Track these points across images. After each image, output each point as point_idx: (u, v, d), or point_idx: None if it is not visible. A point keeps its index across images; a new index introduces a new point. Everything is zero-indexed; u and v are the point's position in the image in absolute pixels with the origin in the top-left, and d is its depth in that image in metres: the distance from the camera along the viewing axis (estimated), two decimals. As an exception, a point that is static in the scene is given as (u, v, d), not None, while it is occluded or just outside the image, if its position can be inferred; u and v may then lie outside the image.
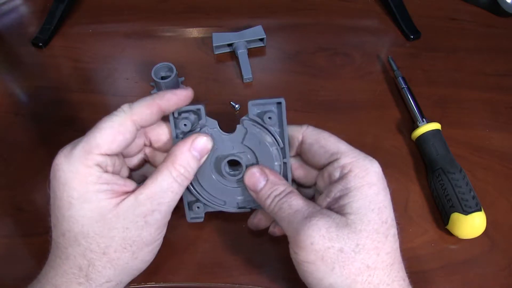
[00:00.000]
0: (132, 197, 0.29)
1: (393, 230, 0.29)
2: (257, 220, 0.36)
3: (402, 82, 0.48)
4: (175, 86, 0.49)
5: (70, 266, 0.29)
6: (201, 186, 0.34)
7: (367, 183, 0.29)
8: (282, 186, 0.31)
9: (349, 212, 0.28)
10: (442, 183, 0.39)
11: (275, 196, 0.30)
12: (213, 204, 0.35)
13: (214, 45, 0.52)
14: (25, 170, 0.43)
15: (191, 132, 0.33)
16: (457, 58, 0.53)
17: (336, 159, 0.30)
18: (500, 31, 0.56)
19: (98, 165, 0.29)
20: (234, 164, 0.34)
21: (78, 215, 0.28)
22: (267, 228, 0.36)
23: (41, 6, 0.58)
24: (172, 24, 0.57)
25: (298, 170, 0.34)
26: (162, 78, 0.48)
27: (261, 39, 0.53)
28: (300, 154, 0.34)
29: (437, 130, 0.43)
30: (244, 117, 0.33)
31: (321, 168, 0.32)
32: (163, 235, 0.32)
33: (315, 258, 0.27)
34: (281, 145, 0.33)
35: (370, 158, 0.30)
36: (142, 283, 0.36)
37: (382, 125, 0.47)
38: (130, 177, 0.34)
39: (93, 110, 0.48)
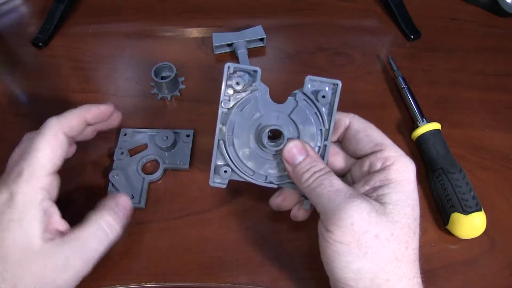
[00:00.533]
0: (60, 239, 0.30)
1: (418, 230, 0.30)
2: (281, 200, 0.35)
3: (402, 82, 0.48)
4: (175, 86, 0.49)
5: None
6: (235, 150, 0.33)
7: (406, 179, 0.29)
8: (322, 164, 0.31)
9: (388, 202, 0.28)
10: (442, 183, 0.39)
11: (315, 172, 0.30)
12: (241, 172, 0.33)
13: (214, 45, 0.52)
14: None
15: (243, 92, 0.32)
16: (457, 58, 0.53)
17: (379, 150, 0.31)
18: (500, 31, 0.56)
19: (45, 188, 0.30)
20: (274, 136, 0.33)
21: (10, 238, 0.29)
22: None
23: (41, 6, 0.58)
24: (172, 24, 0.57)
25: (335, 156, 0.34)
26: (162, 78, 0.48)
27: (261, 39, 0.53)
28: (341, 141, 0.34)
29: (437, 130, 0.43)
30: (297, 91, 0.32)
31: (359, 157, 0.33)
32: (75, 284, 0.31)
33: (351, 239, 0.27)
34: (327, 126, 0.32)
35: (409, 158, 0.31)
36: (142, 283, 0.36)
37: (382, 125, 0.46)
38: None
39: (93, 110, 0.47)
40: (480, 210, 0.37)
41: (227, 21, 0.57)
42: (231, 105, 0.32)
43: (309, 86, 0.32)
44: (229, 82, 0.32)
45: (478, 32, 0.56)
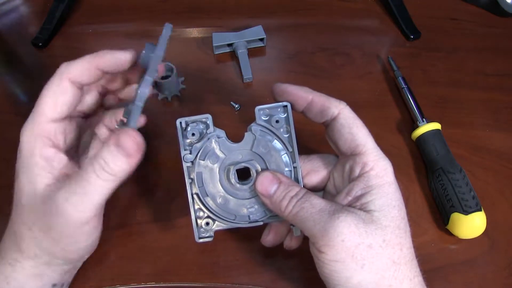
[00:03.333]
0: (58, 183, 0.30)
1: (409, 227, 0.29)
2: (271, 237, 0.35)
3: (402, 82, 0.48)
4: (175, 86, 0.49)
5: (14, 230, 0.31)
6: (211, 199, 0.33)
7: (386, 182, 0.29)
8: (297, 187, 0.31)
9: (373, 209, 0.28)
10: (442, 183, 0.39)
11: (292, 197, 0.30)
12: (223, 219, 0.33)
13: (214, 45, 0.52)
14: (25, 170, 0.43)
15: (200, 142, 0.32)
16: (457, 58, 0.53)
17: (359, 153, 0.30)
18: (500, 31, 0.56)
19: (46, 136, 0.30)
20: (244, 174, 0.33)
21: (20, 185, 0.30)
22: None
23: (41, 6, 0.58)
24: (172, 24, 0.57)
25: (309, 175, 0.34)
26: (162, 78, 0.48)
27: (261, 39, 0.53)
28: (326, 128, 0.33)
29: (437, 130, 0.43)
30: (252, 124, 0.32)
31: (339, 154, 0.32)
32: (86, 234, 0.31)
33: (345, 255, 0.27)
34: (290, 149, 0.32)
35: (387, 158, 0.31)
36: (142, 283, 0.36)
37: (382, 125, 0.47)
38: (79, 141, 0.35)
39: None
40: (480, 210, 0.37)
41: (227, 21, 0.57)
42: (193, 157, 0.32)
43: (262, 116, 0.32)
44: (185, 135, 0.32)
45: (478, 32, 0.56)
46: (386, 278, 0.27)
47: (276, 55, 0.54)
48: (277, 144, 0.32)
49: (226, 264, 0.37)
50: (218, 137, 0.32)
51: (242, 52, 0.51)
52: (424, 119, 0.44)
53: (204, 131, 0.32)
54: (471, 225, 0.37)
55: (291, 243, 0.35)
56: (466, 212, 0.37)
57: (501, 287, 0.36)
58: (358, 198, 0.29)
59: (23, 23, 0.58)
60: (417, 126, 0.44)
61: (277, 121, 0.32)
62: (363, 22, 0.57)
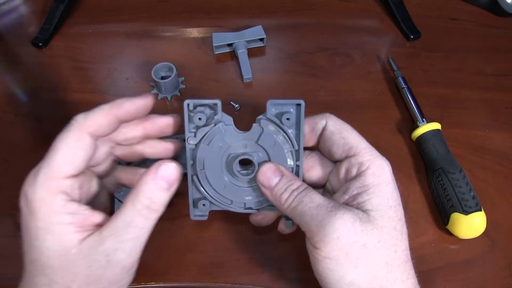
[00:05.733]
0: (96, 233, 0.27)
1: (405, 228, 0.29)
2: (261, 217, 0.35)
3: (402, 82, 0.48)
4: (175, 86, 0.49)
5: None
6: (209, 183, 0.33)
7: (383, 181, 0.29)
8: (298, 182, 0.31)
9: (369, 208, 0.28)
10: (442, 183, 0.39)
11: (293, 190, 0.30)
12: (219, 203, 0.34)
13: (214, 45, 0.52)
14: (25, 170, 0.43)
15: (206, 126, 0.32)
16: (457, 58, 0.53)
17: (354, 155, 0.30)
18: (500, 31, 0.56)
19: (64, 192, 0.27)
20: (245, 163, 0.33)
21: (43, 246, 0.27)
22: (267, 227, 0.36)
23: (41, 6, 0.58)
24: (172, 24, 0.57)
25: (309, 171, 0.34)
26: (162, 78, 0.48)
27: (261, 39, 0.53)
28: (318, 142, 0.33)
29: (437, 130, 0.43)
30: (261, 116, 0.32)
31: (335, 160, 0.32)
32: (132, 273, 0.29)
33: (339, 253, 0.27)
34: (296, 147, 0.32)
35: (385, 158, 0.30)
36: (142, 283, 0.36)
37: (382, 125, 0.47)
38: (99, 193, 0.32)
39: (93, 110, 0.47)
40: (480, 210, 0.37)
41: (227, 21, 0.57)
42: (197, 140, 0.32)
43: (273, 110, 0.32)
44: (191, 118, 0.32)
45: (478, 32, 0.56)
46: (378, 279, 0.27)
47: (276, 55, 0.54)
48: (283, 140, 0.32)
49: (226, 264, 0.37)
50: (226, 124, 0.32)
51: (242, 52, 0.51)
52: (424, 119, 0.44)
53: (212, 116, 0.32)
54: (471, 225, 0.37)
55: (284, 228, 0.35)
56: (466, 212, 0.37)
57: (501, 287, 0.36)
58: (354, 197, 0.29)
59: (23, 23, 0.58)
60: (417, 126, 0.44)
61: (288, 119, 0.31)
62: (363, 22, 0.57)
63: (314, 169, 0.34)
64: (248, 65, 0.50)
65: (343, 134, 0.31)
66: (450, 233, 0.38)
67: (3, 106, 0.48)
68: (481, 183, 0.42)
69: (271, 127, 0.32)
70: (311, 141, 0.33)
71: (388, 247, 0.27)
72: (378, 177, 0.29)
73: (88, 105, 0.48)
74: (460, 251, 0.38)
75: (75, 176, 0.28)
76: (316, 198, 0.29)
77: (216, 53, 0.53)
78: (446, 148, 0.42)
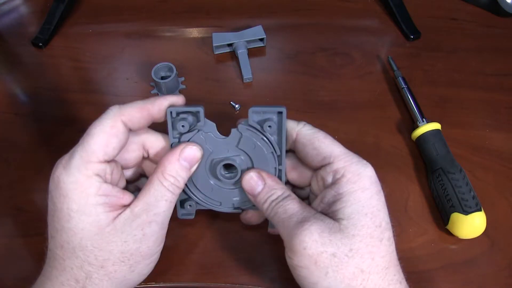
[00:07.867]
0: (128, 211, 0.29)
1: (388, 233, 0.29)
2: (249, 216, 0.36)
3: (402, 82, 0.48)
4: (175, 86, 0.49)
5: (67, 278, 0.29)
6: (196, 187, 0.34)
7: (359, 188, 0.28)
8: (279, 191, 0.31)
9: (341, 217, 0.28)
10: (442, 183, 0.39)
11: (272, 201, 0.31)
12: (208, 204, 0.35)
13: (214, 45, 0.52)
14: (25, 170, 0.43)
15: (189, 133, 0.32)
16: (457, 58, 0.53)
17: (328, 163, 0.30)
18: (500, 31, 0.56)
19: (98, 174, 0.29)
20: (229, 166, 0.34)
21: (77, 228, 0.28)
22: (262, 224, 0.36)
23: (41, 6, 0.58)
24: (172, 24, 0.57)
25: (292, 172, 0.34)
26: (162, 78, 0.48)
27: (261, 39, 0.53)
28: (294, 152, 0.33)
29: (437, 130, 0.43)
30: (241, 122, 0.32)
31: (314, 169, 0.32)
32: (161, 248, 0.32)
33: (308, 263, 0.27)
34: (278, 153, 0.32)
35: (364, 162, 0.30)
36: (142, 283, 0.36)
37: (382, 125, 0.47)
38: (126, 188, 0.34)
39: (93, 110, 0.47)
40: (480, 210, 0.37)
41: (227, 21, 0.57)
42: None
43: (254, 117, 0.32)
44: (175, 125, 0.32)
45: (478, 32, 0.56)
46: (352, 287, 0.27)
47: (276, 55, 0.54)
48: (264, 144, 0.32)
49: (226, 264, 0.37)
50: (205, 132, 0.32)
51: (242, 52, 0.51)
52: (424, 119, 0.44)
53: (195, 122, 0.32)
54: (471, 225, 0.37)
55: (273, 229, 0.36)
56: (466, 212, 0.37)
57: (501, 287, 0.36)
58: (329, 205, 0.29)
59: (23, 23, 0.58)
60: (417, 126, 0.44)
61: (269, 126, 0.31)
62: (363, 22, 0.57)
63: (296, 170, 0.34)
64: (248, 65, 0.50)
65: (315, 145, 0.31)
66: (450, 233, 0.38)
67: (3, 106, 0.48)
68: (481, 183, 0.42)
69: (250, 132, 0.32)
70: (286, 147, 0.33)
71: (363, 255, 0.27)
72: (354, 184, 0.29)
73: (88, 105, 0.48)
74: (460, 251, 0.38)
75: (108, 162, 0.30)
76: (290, 208, 0.29)
77: (216, 53, 0.53)
78: (446, 148, 0.42)
